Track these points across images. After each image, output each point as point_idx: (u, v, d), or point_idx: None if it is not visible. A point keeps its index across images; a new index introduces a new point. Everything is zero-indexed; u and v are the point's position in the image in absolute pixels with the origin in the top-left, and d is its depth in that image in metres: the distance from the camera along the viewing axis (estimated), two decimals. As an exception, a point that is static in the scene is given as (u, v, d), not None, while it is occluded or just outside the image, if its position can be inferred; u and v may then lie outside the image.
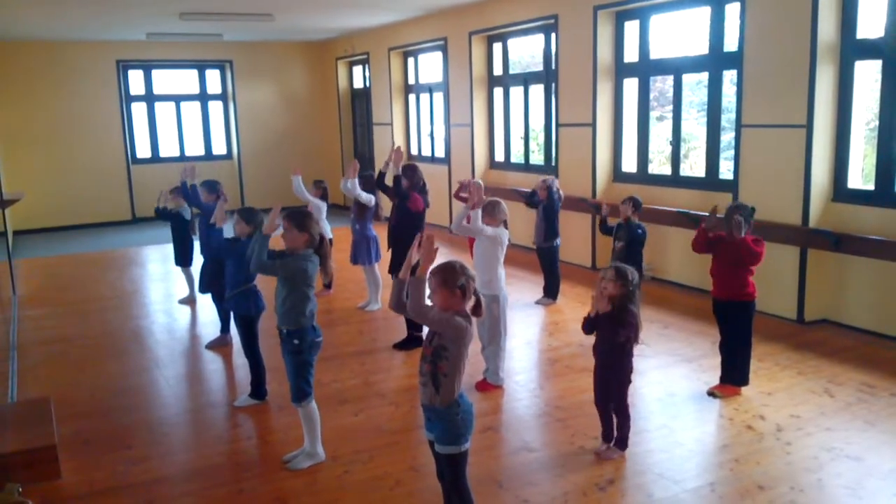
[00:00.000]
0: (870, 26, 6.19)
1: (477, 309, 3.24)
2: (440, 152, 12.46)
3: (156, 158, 14.68)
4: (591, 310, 4.18)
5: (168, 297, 8.52)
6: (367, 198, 7.28)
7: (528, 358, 6.19)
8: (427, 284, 3.16)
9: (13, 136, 13.02)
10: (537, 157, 10.52)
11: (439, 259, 3.21)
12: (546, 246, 7.53)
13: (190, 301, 8.09)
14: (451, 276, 3.16)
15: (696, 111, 8.74)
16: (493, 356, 5.36)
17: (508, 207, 5.44)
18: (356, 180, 7.14)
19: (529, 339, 6.60)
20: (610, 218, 6.80)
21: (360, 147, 15.23)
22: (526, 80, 10.32)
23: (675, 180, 8.11)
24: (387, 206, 7.05)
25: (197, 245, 7.27)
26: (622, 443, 4.29)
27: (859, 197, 6.36)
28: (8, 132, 12.94)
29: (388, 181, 6.49)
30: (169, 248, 8.02)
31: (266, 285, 5.23)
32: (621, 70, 8.63)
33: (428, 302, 3.18)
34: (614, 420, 4.30)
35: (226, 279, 5.48)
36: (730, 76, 7.38)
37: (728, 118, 7.56)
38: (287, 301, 4.17)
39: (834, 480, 3.96)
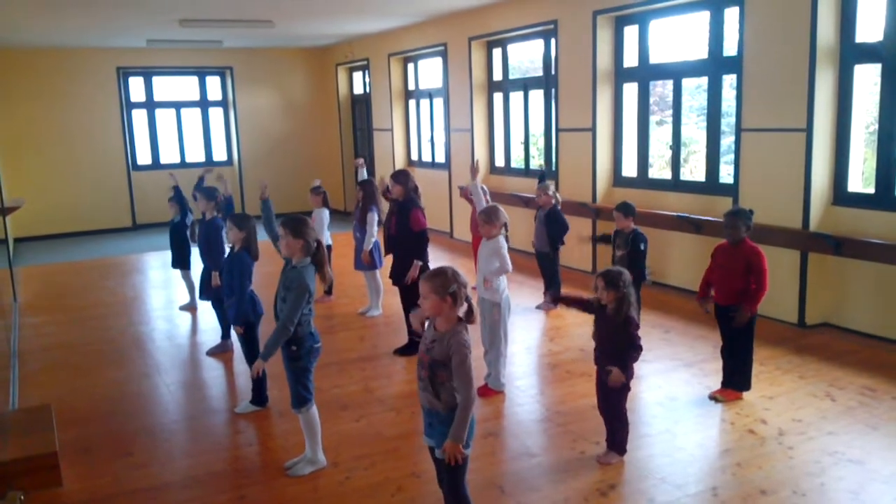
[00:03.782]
0: (869, 30, 6.19)
1: (469, 315, 3.19)
2: (440, 157, 12.47)
3: (156, 165, 14.69)
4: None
5: (169, 303, 8.52)
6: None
7: (529, 363, 6.18)
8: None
9: (14, 144, 13.04)
10: (537, 163, 10.52)
11: (437, 263, 3.20)
12: (548, 251, 7.53)
13: (190, 308, 8.09)
14: (441, 283, 3.13)
15: (695, 115, 8.75)
16: (494, 361, 5.35)
17: (508, 212, 5.43)
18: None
19: (530, 345, 6.59)
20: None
21: (360, 153, 15.23)
22: (526, 84, 10.33)
23: (676, 185, 8.11)
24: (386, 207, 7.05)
25: (195, 250, 7.27)
26: (619, 447, 4.28)
27: (859, 200, 6.36)
28: (9, 139, 12.97)
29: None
30: (169, 255, 8.02)
31: (264, 290, 5.23)
32: (621, 75, 8.63)
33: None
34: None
35: (222, 286, 5.47)
36: (729, 80, 7.38)
37: (728, 122, 7.56)
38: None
39: (836, 484, 3.95)
